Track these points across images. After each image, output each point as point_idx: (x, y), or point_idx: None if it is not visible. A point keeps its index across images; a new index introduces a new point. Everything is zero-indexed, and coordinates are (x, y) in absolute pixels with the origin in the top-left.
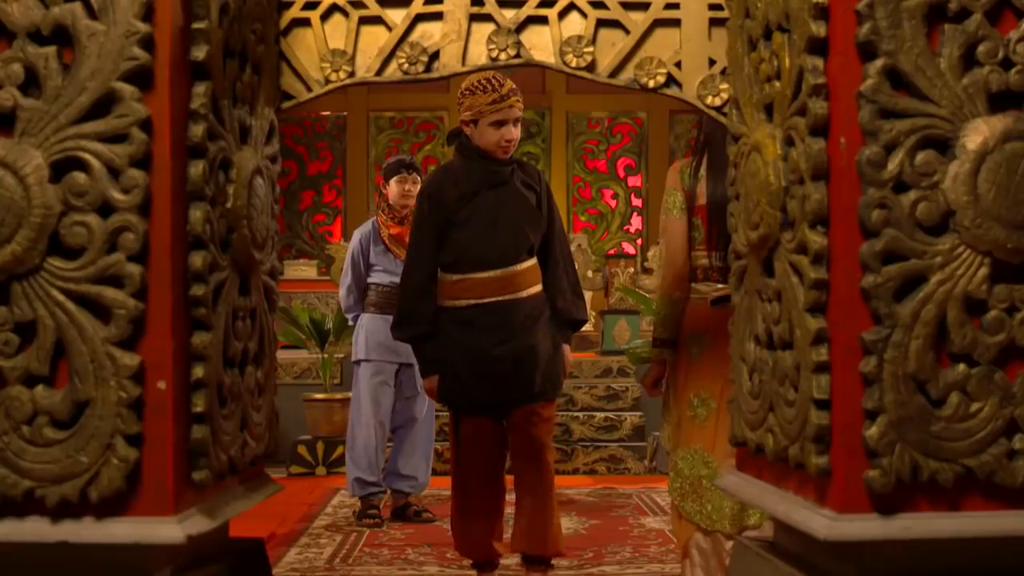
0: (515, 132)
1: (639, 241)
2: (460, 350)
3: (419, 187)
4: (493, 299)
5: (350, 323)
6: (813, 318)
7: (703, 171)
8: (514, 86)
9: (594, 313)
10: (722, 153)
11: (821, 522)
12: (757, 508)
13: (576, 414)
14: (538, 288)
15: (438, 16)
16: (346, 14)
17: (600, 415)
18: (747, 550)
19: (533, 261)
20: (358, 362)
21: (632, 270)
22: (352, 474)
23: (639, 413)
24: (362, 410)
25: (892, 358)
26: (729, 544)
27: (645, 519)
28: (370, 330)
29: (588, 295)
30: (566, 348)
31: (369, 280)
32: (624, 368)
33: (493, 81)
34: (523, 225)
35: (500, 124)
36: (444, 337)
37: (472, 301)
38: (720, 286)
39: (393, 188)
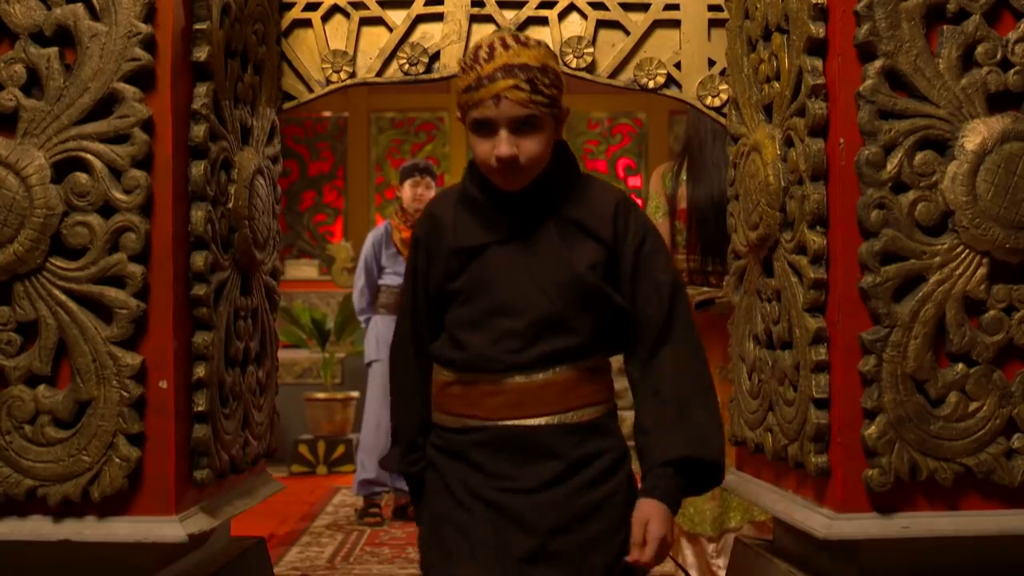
0: (515, 144)
1: None
2: (447, 502)
3: (432, 192)
4: (504, 423)
5: (362, 325)
6: (812, 318)
7: (684, 175)
8: (514, 61)
9: None
10: (701, 156)
11: (820, 521)
12: (737, 512)
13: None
14: (597, 411)
15: (439, 17)
16: (347, 15)
17: None
18: (746, 549)
19: (585, 366)
20: (370, 363)
21: None
22: (359, 476)
23: None
24: (370, 410)
25: (891, 358)
26: (711, 547)
27: None
28: (381, 331)
29: None
30: (654, 509)
31: (380, 282)
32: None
33: (479, 51)
34: (558, 305)
35: (484, 127)
36: (430, 476)
37: (467, 421)
38: (705, 289)
39: (406, 191)
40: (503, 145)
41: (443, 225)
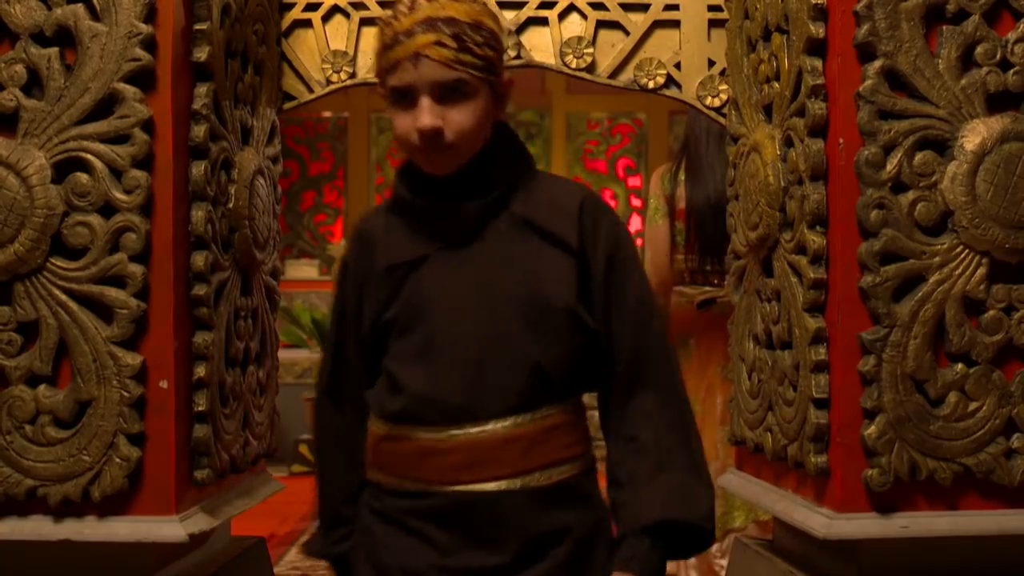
0: (441, 114)
1: (639, 241)
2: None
3: None
4: (453, 489)
5: None
6: (812, 318)
7: (682, 175)
8: (438, 14)
9: None
10: (699, 156)
11: (820, 521)
12: (740, 512)
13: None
14: (571, 469)
15: None
16: (347, 15)
17: (599, 414)
18: (746, 549)
19: (555, 411)
20: None
21: None
22: None
23: None
24: None
25: (891, 357)
26: (714, 547)
27: None
28: None
29: None
30: None
31: None
32: None
33: (399, 4)
34: (516, 329)
35: (404, 96)
36: (361, 541)
37: (407, 484)
38: (707, 289)
39: None
40: (424, 115)
41: (373, 242)
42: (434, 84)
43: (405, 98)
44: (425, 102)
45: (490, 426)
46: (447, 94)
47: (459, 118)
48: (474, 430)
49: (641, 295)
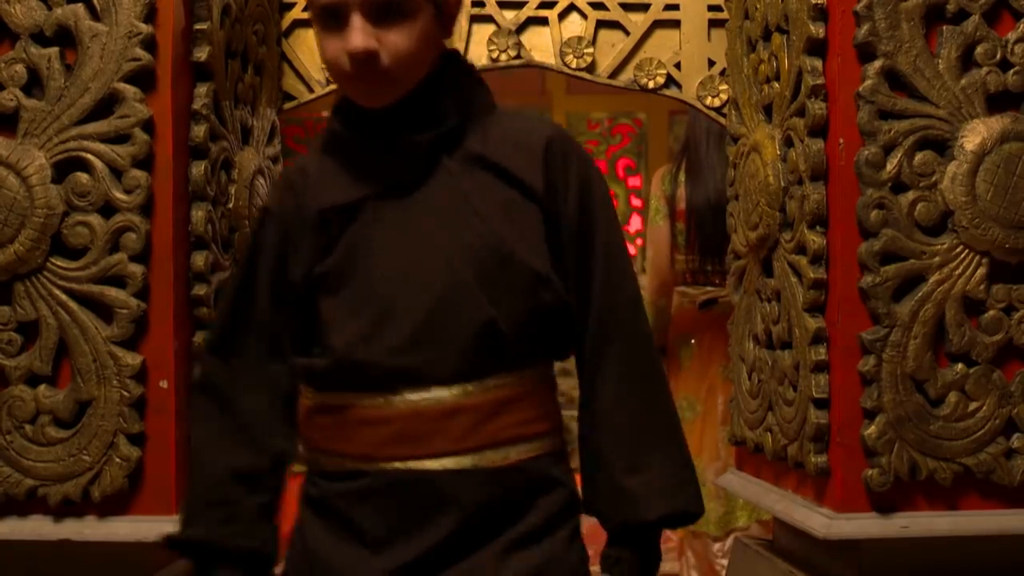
0: (375, 36)
1: (639, 241)
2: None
3: None
4: (391, 466)
5: None
6: (812, 318)
7: (682, 176)
8: None
9: None
10: (699, 156)
11: (820, 521)
12: (743, 512)
13: (575, 413)
14: (532, 449)
15: None
16: None
17: None
18: (746, 549)
19: (515, 379)
20: None
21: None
22: None
23: None
24: None
25: (891, 357)
26: (716, 546)
27: None
28: None
29: None
30: None
31: None
32: None
33: None
34: (467, 280)
35: (332, 17)
36: (295, 539)
37: (344, 463)
38: (709, 289)
39: None
40: (355, 35)
41: (302, 186)
42: (366, 1)
43: (335, 19)
44: (357, 21)
45: (434, 392)
46: (383, 13)
47: (397, 40)
48: (415, 396)
49: (612, 248)
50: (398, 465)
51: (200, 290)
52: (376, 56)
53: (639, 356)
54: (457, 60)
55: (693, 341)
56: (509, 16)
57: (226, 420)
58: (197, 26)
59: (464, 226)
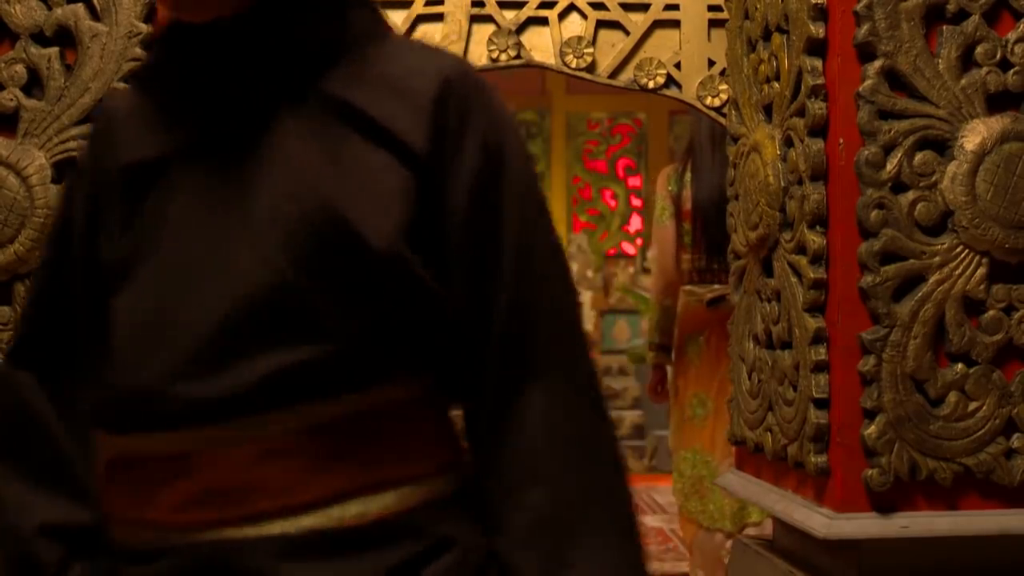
0: None
1: (639, 241)
2: None
3: None
4: (195, 538)
5: None
6: (812, 318)
7: (688, 175)
8: None
9: (594, 313)
10: (704, 156)
11: (820, 521)
12: (756, 507)
13: None
14: (400, 500)
15: (439, 17)
16: None
17: None
18: (746, 548)
19: (371, 401)
20: None
21: (632, 270)
22: None
23: (639, 412)
24: None
25: (890, 357)
26: (729, 543)
27: (645, 518)
28: None
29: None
30: None
31: None
32: (623, 368)
33: None
34: (286, 271)
35: None
36: None
37: (142, 535)
38: (716, 287)
39: None
40: None
41: (112, 133)
42: None
43: None
44: None
45: (245, 428)
46: None
47: None
48: (217, 434)
49: (530, 247)
50: (204, 537)
51: None
52: None
53: (569, 402)
54: None
55: (702, 338)
56: (509, 16)
57: (34, 453)
58: None
59: (293, 199)
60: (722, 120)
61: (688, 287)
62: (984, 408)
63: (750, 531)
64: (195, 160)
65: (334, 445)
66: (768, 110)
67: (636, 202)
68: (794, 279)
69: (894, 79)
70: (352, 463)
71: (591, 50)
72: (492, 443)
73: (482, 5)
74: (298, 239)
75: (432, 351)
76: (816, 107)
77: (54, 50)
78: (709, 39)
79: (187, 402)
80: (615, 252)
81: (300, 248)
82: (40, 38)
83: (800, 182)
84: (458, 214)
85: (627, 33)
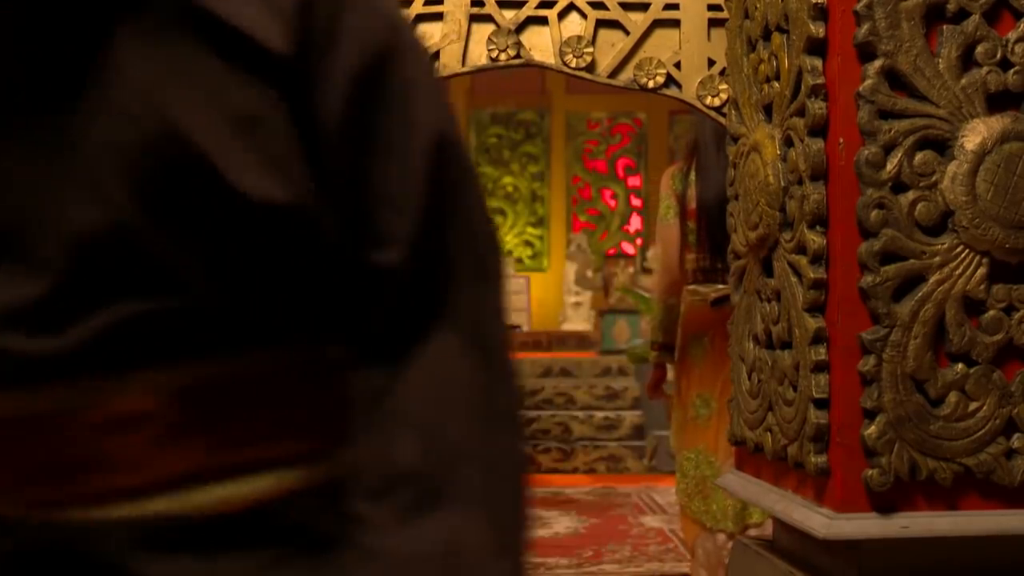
0: None
1: (638, 241)
2: None
3: None
4: (37, 518)
5: None
6: (812, 318)
7: (693, 175)
8: None
9: (594, 312)
10: (709, 156)
11: (820, 521)
12: (756, 507)
13: (576, 413)
14: (280, 481)
15: (438, 16)
16: None
17: (599, 414)
18: (746, 549)
19: (240, 364)
20: None
21: (632, 270)
22: None
23: (638, 412)
24: None
25: (891, 357)
26: (731, 543)
27: (644, 518)
28: None
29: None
30: None
31: None
32: (623, 368)
33: None
34: (124, 209)
35: None
36: None
37: None
38: (720, 287)
39: None
40: None
41: None
42: None
43: None
44: None
45: (88, 391)
46: None
47: None
48: (59, 396)
49: (428, 156)
50: (47, 517)
51: None
52: None
53: (467, 354)
54: None
55: (706, 339)
56: (509, 15)
57: None
58: None
59: (132, 123)
60: (722, 120)
61: (692, 287)
62: (984, 408)
63: (751, 532)
64: (15, 102)
65: (197, 415)
66: (768, 110)
67: (636, 202)
68: (794, 279)
69: (894, 79)
70: (214, 437)
71: (591, 50)
72: (372, 399)
73: (481, 4)
74: (138, 170)
75: (320, 305)
76: (816, 107)
77: None
78: (709, 39)
79: (20, 355)
80: (615, 252)
81: (141, 181)
82: None
83: (800, 182)
84: (332, 128)
85: (627, 33)
